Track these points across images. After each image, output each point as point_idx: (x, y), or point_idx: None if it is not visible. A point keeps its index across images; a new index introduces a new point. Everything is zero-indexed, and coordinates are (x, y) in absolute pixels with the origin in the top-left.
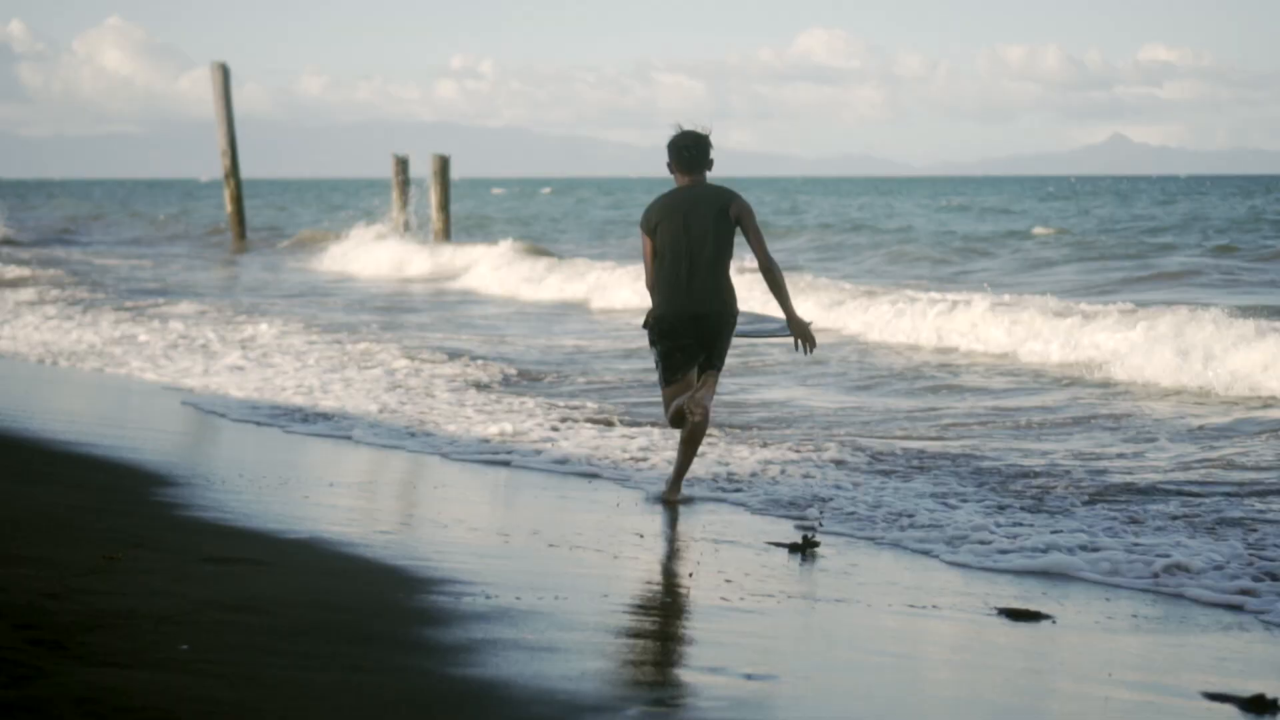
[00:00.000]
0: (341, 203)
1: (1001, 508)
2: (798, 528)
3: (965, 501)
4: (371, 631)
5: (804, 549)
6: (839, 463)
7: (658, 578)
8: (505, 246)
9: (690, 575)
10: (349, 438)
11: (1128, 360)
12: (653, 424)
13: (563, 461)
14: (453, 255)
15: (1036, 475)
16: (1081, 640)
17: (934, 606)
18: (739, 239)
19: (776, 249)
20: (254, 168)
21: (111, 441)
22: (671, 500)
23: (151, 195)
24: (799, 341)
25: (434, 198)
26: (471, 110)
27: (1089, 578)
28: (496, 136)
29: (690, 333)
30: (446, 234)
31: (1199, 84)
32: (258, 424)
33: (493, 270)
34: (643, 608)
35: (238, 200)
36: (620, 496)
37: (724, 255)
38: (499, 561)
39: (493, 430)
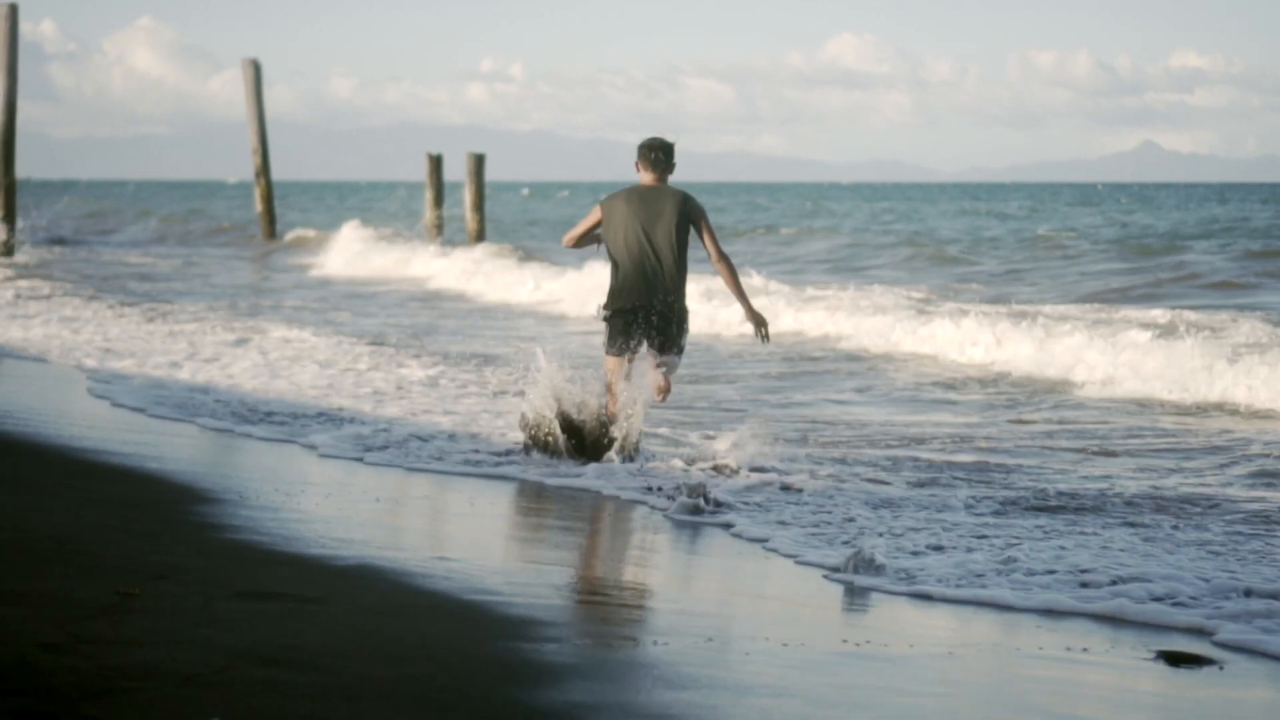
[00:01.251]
0: (358, 205)
1: (1104, 538)
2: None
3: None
4: (447, 694)
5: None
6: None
7: (768, 614)
8: (485, 249)
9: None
10: (379, 449)
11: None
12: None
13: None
14: (433, 257)
15: (1136, 503)
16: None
17: (1084, 650)
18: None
19: (797, 252)
20: (282, 170)
21: (132, 449)
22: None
23: (174, 196)
24: (758, 330)
25: (468, 197)
26: (500, 113)
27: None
28: (524, 140)
29: (643, 320)
30: (481, 234)
31: (1230, 91)
32: (278, 440)
33: (486, 275)
34: (760, 654)
35: (268, 199)
36: (686, 527)
37: (684, 253)
38: (578, 596)
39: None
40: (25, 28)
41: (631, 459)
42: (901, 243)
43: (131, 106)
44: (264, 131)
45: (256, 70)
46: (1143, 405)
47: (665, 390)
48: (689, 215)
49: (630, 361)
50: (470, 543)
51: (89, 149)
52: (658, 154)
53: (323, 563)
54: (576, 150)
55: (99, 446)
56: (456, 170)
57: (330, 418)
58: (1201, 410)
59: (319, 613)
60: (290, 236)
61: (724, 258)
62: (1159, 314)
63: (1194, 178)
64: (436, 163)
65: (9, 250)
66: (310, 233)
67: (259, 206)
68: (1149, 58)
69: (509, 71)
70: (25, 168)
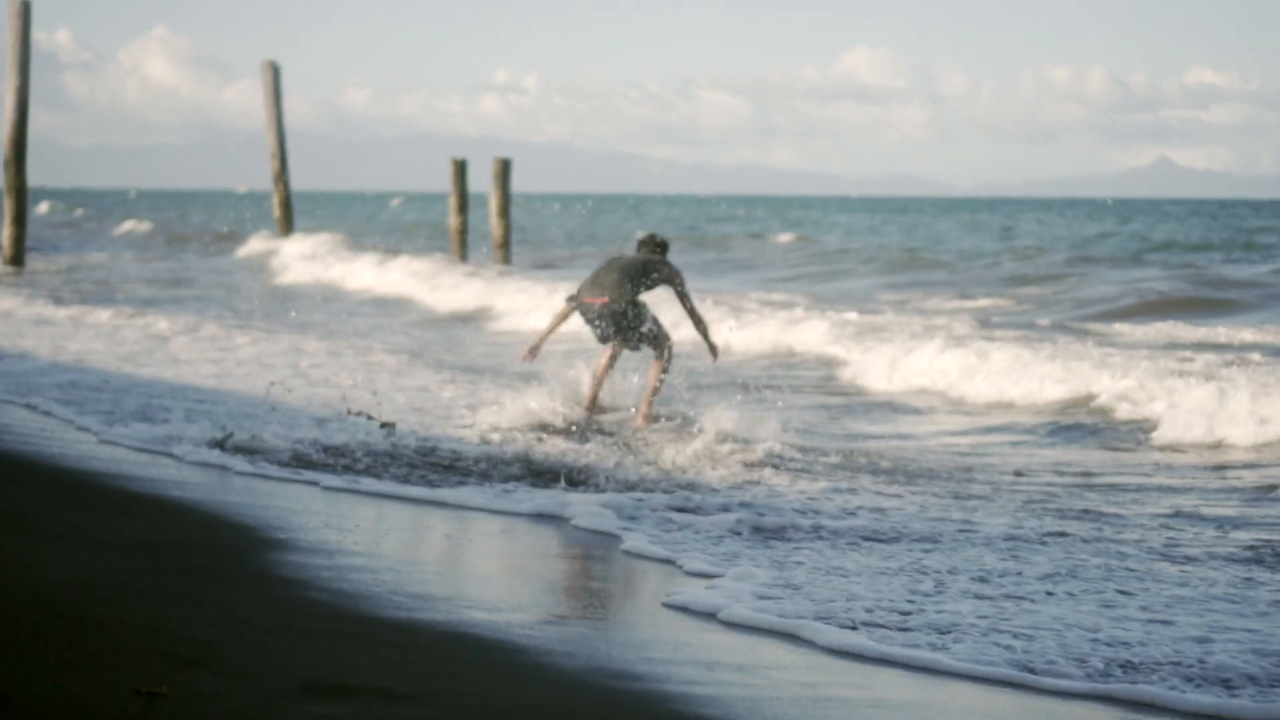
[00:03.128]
0: (362, 215)
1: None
2: None
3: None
4: None
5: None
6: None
7: (958, 704)
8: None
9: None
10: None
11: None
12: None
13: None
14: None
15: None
16: None
17: None
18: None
19: (779, 262)
20: (295, 179)
21: (153, 472)
22: (642, 426)
23: (176, 204)
24: (714, 355)
25: (494, 204)
26: (515, 125)
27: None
28: (539, 152)
29: (599, 317)
30: (506, 242)
31: (1245, 107)
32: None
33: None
34: None
35: (286, 205)
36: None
37: (635, 283)
38: (748, 677)
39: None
40: (40, 36)
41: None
42: (878, 250)
43: (145, 116)
44: (282, 135)
45: (275, 73)
46: None
47: (658, 364)
48: (654, 269)
49: (607, 360)
50: (562, 596)
51: (103, 158)
52: (648, 242)
53: (404, 630)
54: (592, 162)
55: (111, 470)
56: (477, 182)
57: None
58: None
59: None
60: (243, 250)
61: (694, 314)
62: None
63: (1209, 194)
64: (461, 168)
65: (18, 259)
66: (275, 242)
67: (277, 212)
68: (1164, 74)
69: (523, 83)
70: (39, 176)
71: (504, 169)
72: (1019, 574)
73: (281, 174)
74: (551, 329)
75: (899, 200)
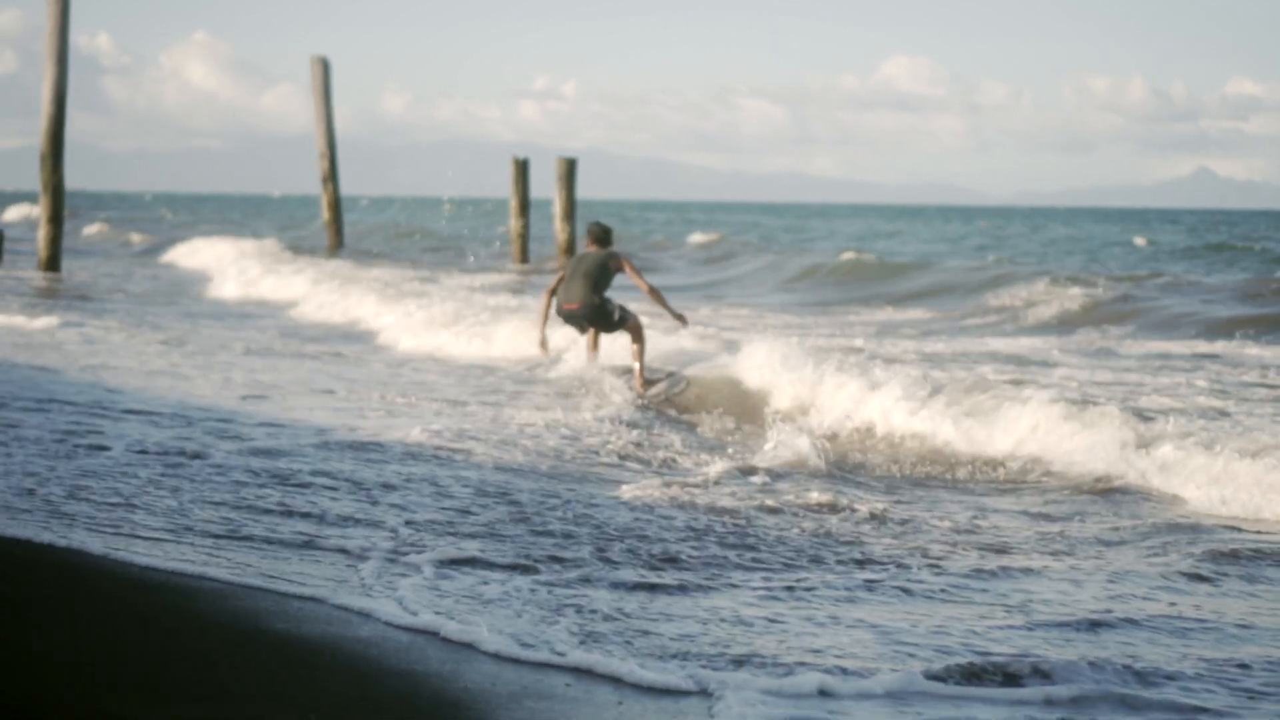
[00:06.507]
0: (383, 219)
1: None
2: None
3: None
4: None
5: None
6: None
7: None
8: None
9: None
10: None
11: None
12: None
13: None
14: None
15: None
16: None
17: None
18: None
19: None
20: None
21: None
22: (642, 395)
23: (197, 207)
24: (682, 322)
25: (558, 207)
26: (552, 131)
27: None
28: (577, 158)
29: (577, 318)
30: (570, 247)
31: None
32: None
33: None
34: None
35: (335, 206)
36: None
37: (597, 285)
38: None
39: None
40: (81, 40)
41: None
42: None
43: (184, 120)
44: (332, 134)
45: (325, 69)
46: None
47: (636, 345)
48: (609, 265)
49: (592, 337)
50: None
51: (142, 162)
52: (595, 231)
53: None
54: (630, 169)
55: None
56: (497, 187)
57: None
58: None
59: None
60: (170, 254)
61: (650, 288)
62: None
63: (1248, 205)
64: (522, 169)
65: (54, 263)
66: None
67: (325, 214)
68: (1204, 85)
69: (561, 90)
70: (78, 179)
71: (569, 170)
72: None
73: (331, 174)
74: (544, 320)
75: (930, 209)
